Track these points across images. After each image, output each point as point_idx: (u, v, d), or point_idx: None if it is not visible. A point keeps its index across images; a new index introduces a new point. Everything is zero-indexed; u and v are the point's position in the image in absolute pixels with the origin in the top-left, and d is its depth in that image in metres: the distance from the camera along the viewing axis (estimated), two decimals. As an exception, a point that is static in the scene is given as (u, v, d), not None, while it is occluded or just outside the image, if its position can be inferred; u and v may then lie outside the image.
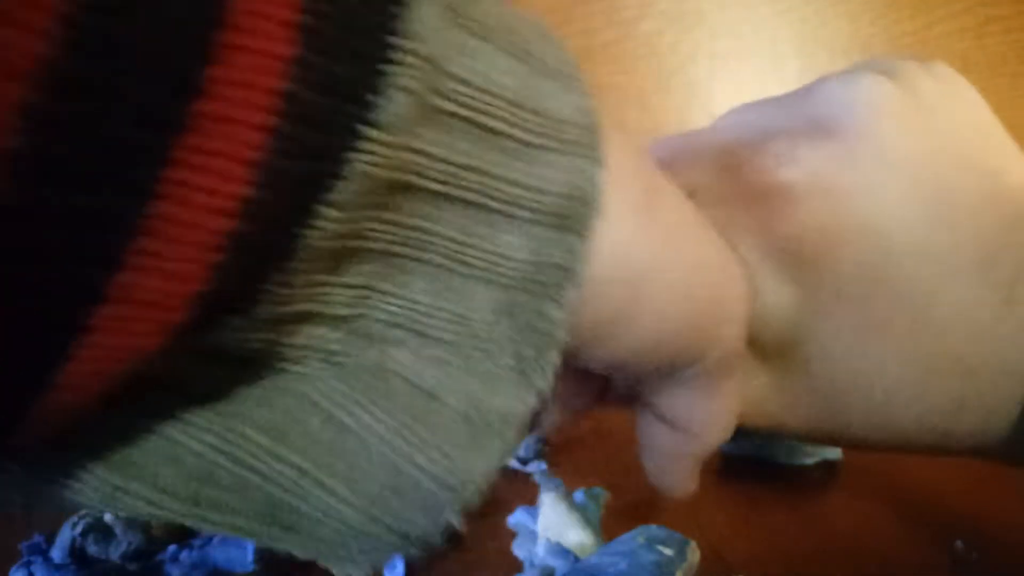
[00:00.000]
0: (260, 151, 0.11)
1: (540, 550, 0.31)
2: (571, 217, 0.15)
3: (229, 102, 0.11)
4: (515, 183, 0.15)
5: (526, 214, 0.15)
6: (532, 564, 0.32)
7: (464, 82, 0.14)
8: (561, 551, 0.31)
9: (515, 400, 0.16)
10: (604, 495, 0.38)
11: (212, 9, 0.11)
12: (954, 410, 0.21)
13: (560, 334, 0.16)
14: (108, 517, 0.34)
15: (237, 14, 0.11)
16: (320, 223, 0.13)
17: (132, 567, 0.34)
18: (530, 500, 0.37)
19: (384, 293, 0.15)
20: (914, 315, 0.21)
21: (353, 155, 0.13)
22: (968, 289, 0.21)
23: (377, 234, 0.14)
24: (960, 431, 0.21)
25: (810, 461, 0.43)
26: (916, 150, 0.21)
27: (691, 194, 0.21)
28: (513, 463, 0.43)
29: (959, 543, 0.35)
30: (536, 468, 0.43)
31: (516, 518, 0.34)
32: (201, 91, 0.11)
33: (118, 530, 0.34)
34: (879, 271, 0.21)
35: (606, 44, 0.54)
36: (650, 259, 0.17)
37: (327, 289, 0.14)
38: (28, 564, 0.33)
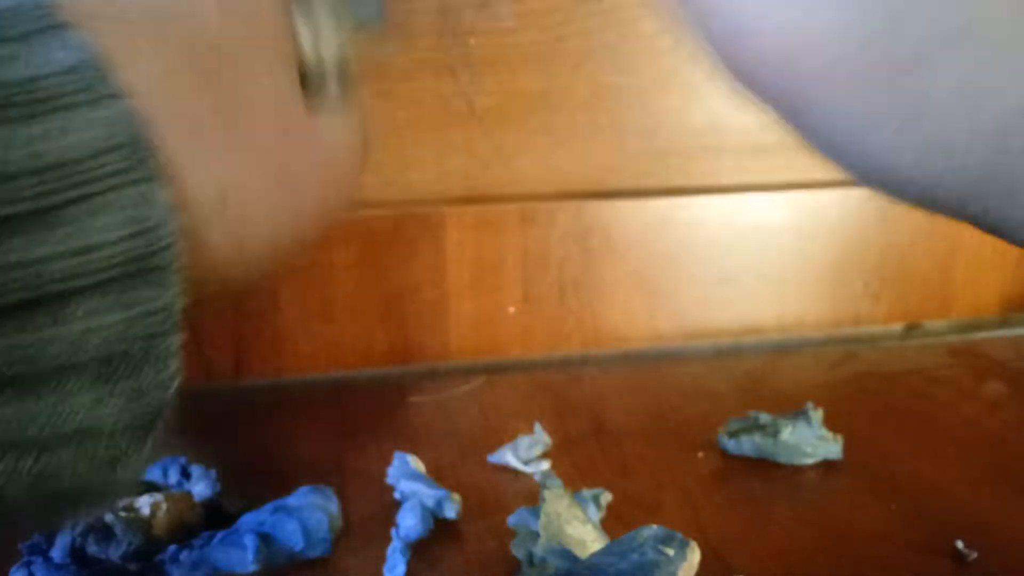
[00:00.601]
0: None
1: (540, 550, 0.31)
2: (147, 255, 0.14)
3: None
4: (64, 256, 0.13)
5: (95, 279, 0.13)
6: (532, 564, 0.32)
7: None
8: (561, 551, 0.31)
9: None
10: (604, 495, 0.38)
11: None
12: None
13: (169, 398, 0.14)
14: (108, 517, 0.34)
15: None
16: None
17: (132, 567, 0.34)
18: (530, 500, 0.37)
19: None
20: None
21: None
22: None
23: None
24: None
25: (810, 461, 0.43)
26: None
27: None
28: (514, 463, 0.43)
29: (959, 543, 0.35)
30: (537, 468, 0.43)
31: (516, 518, 0.34)
32: None
33: (118, 530, 0.34)
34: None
35: (606, 44, 0.54)
36: None
37: None
38: (28, 564, 0.33)
